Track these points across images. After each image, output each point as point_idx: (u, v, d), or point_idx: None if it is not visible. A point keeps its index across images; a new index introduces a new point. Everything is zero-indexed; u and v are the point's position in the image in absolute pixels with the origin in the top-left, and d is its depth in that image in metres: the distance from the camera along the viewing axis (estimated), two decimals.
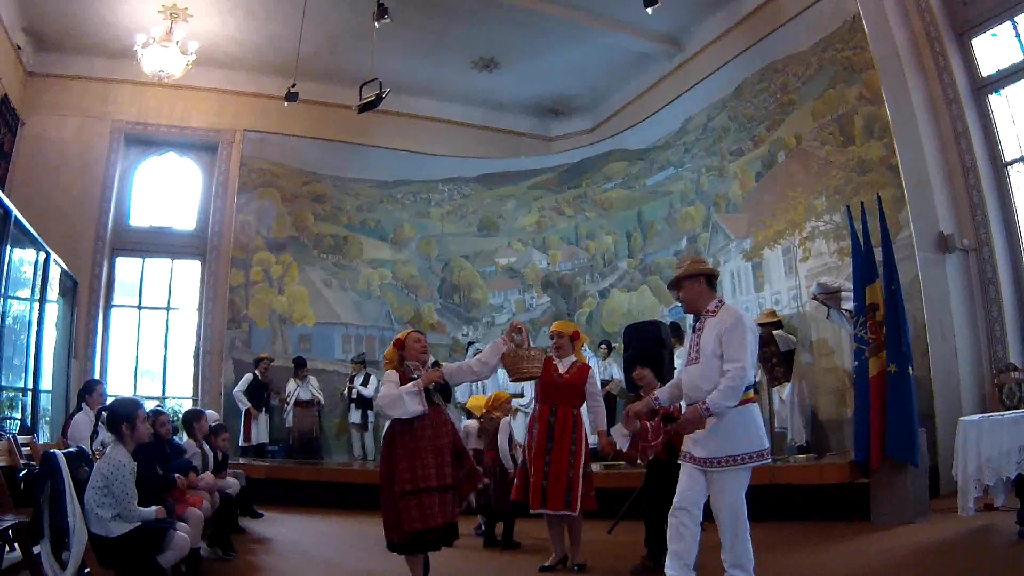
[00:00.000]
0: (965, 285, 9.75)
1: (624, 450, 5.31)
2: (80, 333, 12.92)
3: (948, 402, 9.08)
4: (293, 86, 12.51)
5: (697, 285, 5.12)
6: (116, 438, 5.13)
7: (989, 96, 10.10)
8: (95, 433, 6.22)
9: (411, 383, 5.40)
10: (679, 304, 5.43)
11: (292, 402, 13.62)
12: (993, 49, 10.10)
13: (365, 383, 13.90)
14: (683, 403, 5.14)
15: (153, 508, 5.14)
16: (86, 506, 4.73)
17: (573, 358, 6.79)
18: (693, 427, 4.70)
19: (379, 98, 11.50)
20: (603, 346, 13.69)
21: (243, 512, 9.41)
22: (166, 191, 15.07)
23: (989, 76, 10.07)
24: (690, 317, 13.15)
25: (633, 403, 5.36)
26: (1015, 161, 9.92)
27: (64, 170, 13.59)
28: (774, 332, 10.39)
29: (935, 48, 10.15)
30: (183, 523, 5.54)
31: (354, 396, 13.95)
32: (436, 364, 6.59)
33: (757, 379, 10.59)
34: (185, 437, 8.06)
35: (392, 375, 5.55)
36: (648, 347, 9.67)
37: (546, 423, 6.55)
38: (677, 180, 14.15)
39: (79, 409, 8.13)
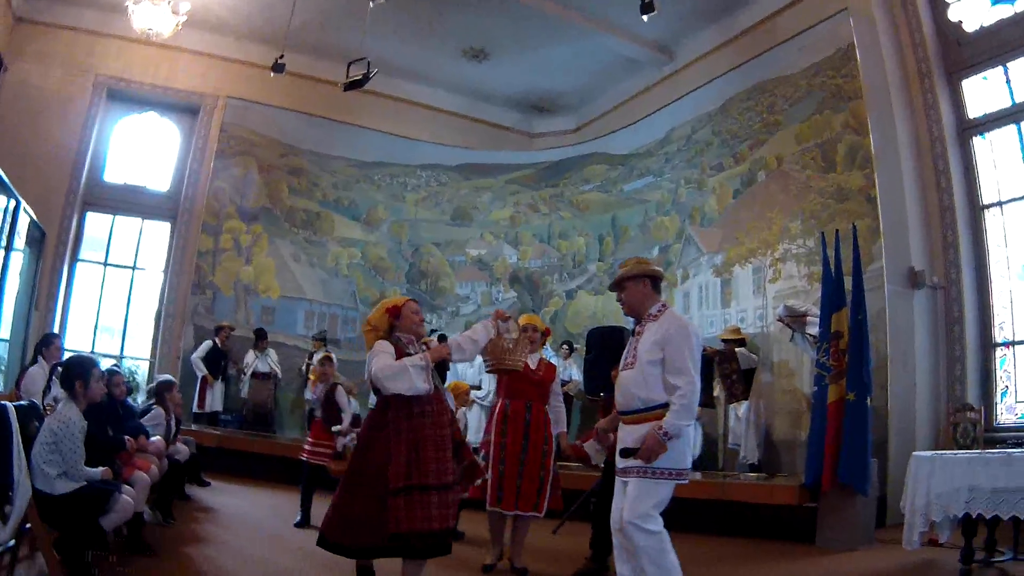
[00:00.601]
0: (931, 322, 9.86)
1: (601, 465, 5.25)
2: (43, 285, 12.68)
3: (903, 435, 9.18)
4: (281, 57, 12.36)
5: (641, 287, 4.80)
6: (68, 395, 5.04)
7: (973, 138, 10.21)
8: (48, 388, 6.10)
9: (418, 356, 4.68)
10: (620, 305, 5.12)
11: (249, 373, 13.51)
12: (982, 92, 10.20)
13: None
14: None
15: (100, 469, 5.08)
16: (32, 462, 4.62)
17: (540, 355, 6.66)
18: (656, 454, 4.35)
19: (366, 78, 11.42)
20: (564, 346, 13.71)
21: (190, 479, 9.35)
22: (143, 150, 14.83)
23: (976, 119, 10.17)
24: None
25: (600, 420, 5.15)
26: (992, 205, 10.05)
27: (43, 120, 13.35)
28: (736, 349, 10.47)
29: (925, 84, 10.23)
30: (129, 487, 5.46)
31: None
32: (443, 338, 6.49)
33: (716, 394, 10.70)
34: (139, 399, 7.97)
35: (386, 346, 4.77)
36: (611, 352, 9.68)
37: (523, 420, 6.36)
38: (655, 189, 14.17)
39: (35, 362, 8.02)
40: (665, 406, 4.44)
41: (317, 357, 9.30)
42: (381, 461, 4.60)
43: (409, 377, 4.56)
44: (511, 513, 6.26)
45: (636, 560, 4.36)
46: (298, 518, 7.96)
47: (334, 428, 8.23)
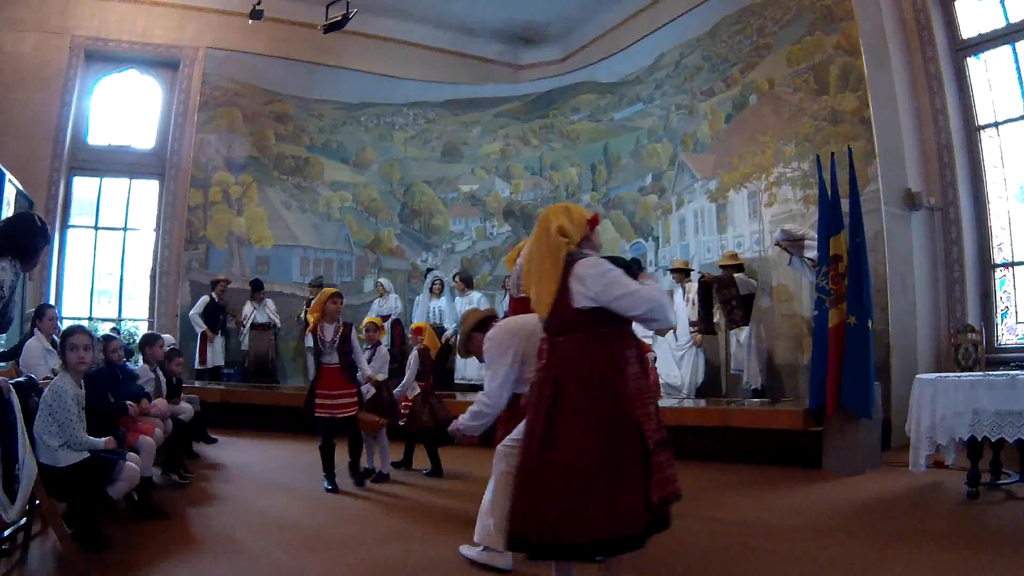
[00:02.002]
0: (929, 243, 9.85)
1: None
2: None
3: (905, 357, 9.23)
4: (259, 3, 12.12)
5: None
6: (63, 365, 5.01)
7: (968, 59, 10.10)
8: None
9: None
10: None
11: (248, 325, 13.56)
12: (976, 12, 10.03)
13: None
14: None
15: (103, 439, 5.02)
16: (35, 435, 4.61)
17: None
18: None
19: (345, 18, 11.28)
20: None
21: (197, 437, 9.39)
22: (126, 109, 14.64)
23: (970, 39, 10.04)
24: (651, 252, 13.19)
25: None
26: (988, 126, 9.98)
27: (20, 87, 13.14)
28: (735, 275, 10.43)
29: (917, 4, 10.08)
30: (134, 453, 5.45)
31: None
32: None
33: (716, 320, 10.68)
34: (140, 362, 7.94)
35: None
36: None
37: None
38: (646, 116, 14.03)
39: (31, 334, 7.97)
40: None
41: (321, 290, 7.96)
42: (625, 407, 3.50)
43: (669, 308, 3.69)
44: None
45: None
46: (328, 485, 7.24)
47: (366, 373, 7.64)
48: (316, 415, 7.38)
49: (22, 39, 13.33)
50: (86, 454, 4.84)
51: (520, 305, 4.70)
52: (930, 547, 4.83)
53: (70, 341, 5.04)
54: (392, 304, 13.91)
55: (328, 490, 7.15)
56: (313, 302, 7.82)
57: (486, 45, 16.80)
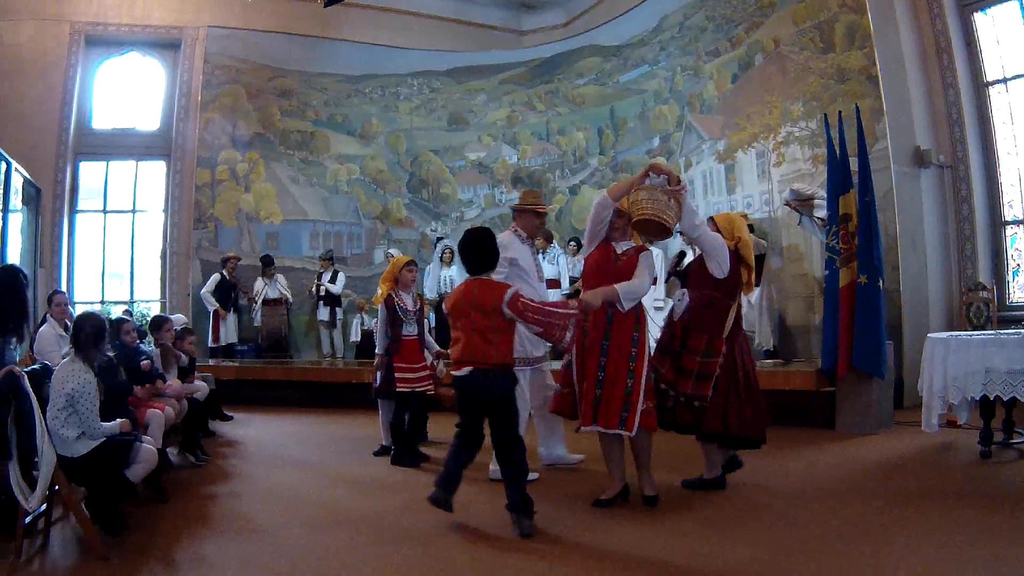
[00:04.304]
0: (939, 201, 9.80)
1: None
2: (46, 241, 12.74)
3: (916, 316, 9.21)
4: None
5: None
6: (76, 353, 4.97)
7: (975, 14, 9.99)
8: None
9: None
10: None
11: (260, 301, 13.62)
12: None
13: (333, 280, 13.95)
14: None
15: (117, 422, 5.02)
16: (50, 427, 4.61)
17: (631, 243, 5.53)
18: None
19: None
20: (572, 243, 13.60)
21: (212, 415, 9.43)
22: (129, 92, 14.66)
23: None
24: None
25: None
26: (997, 82, 9.91)
27: (21, 76, 13.20)
28: None
29: None
30: (148, 437, 5.46)
31: (322, 293, 13.98)
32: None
33: None
34: (152, 344, 7.95)
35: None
36: None
37: (604, 318, 5.17)
38: (651, 78, 13.93)
39: (44, 321, 8.00)
40: None
41: (394, 259, 7.71)
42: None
43: None
44: (589, 429, 5.14)
45: None
46: (409, 460, 6.97)
47: (435, 348, 7.44)
48: (399, 390, 7.08)
49: (19, 29, 13.35)
50: (102, 439, 4.86)
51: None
52: (943, 507, 4.85)
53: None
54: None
55: (411, 464, 6.90)
56: (384, 272, 7.53)
57: (488, 12, 16.69)
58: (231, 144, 14.52)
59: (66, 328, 7.21)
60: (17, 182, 10.48)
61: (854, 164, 7.93)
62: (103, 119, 14.39)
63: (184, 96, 14.34)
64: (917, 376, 6.81)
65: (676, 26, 13.26)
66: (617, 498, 5.23)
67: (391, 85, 16.03)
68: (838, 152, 8.01)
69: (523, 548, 4.41)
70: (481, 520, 4.94)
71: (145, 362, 6.70)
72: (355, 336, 14.12)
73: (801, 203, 9.30)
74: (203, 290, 13.23)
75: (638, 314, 5.22)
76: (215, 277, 13.29)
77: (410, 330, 7.23)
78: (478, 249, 5.02)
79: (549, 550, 4.34)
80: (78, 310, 7.03)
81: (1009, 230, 9.84)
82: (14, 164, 10.10)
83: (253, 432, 9.25)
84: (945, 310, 9.64)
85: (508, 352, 4.89)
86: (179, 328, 8.38)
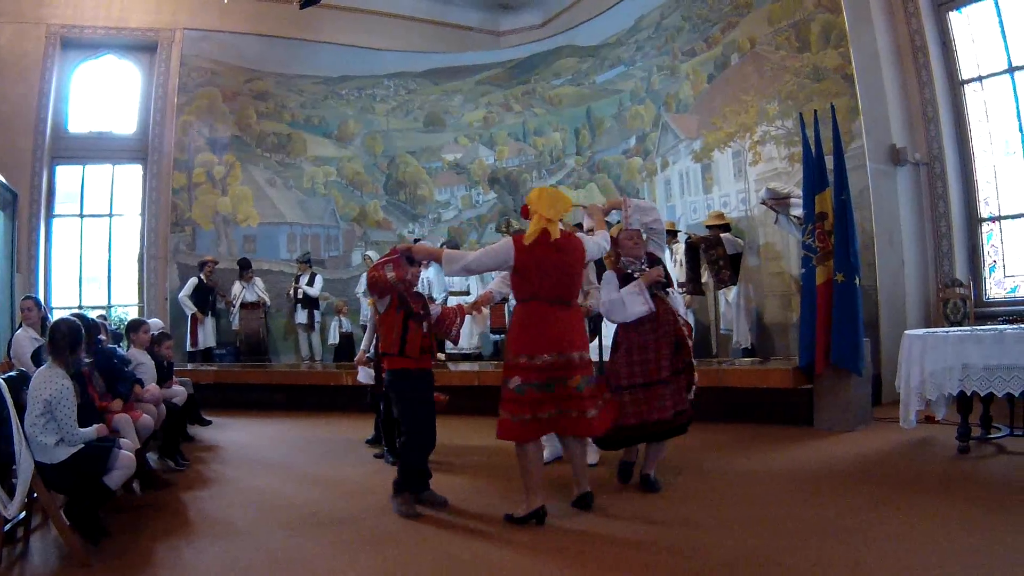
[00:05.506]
0: (915, 199, 9.88)
1: None
2: (22, 246, 12.65)
3: (893, 313, 9.28)
4: None
5: None
6: (54, 360, 4.91)
7: (950, 13, 10.07)
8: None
9: (632, 284, 5.30)
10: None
11: (238, 304, 13.58)
12: None
13: (311, 283, 13.92)
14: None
15: (94, 427, 4.96)
16: (28, 434, 4.57)
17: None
18: None
19: None
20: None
21: (191, 420, 9.40)
22: (105, 95, 14.60)
23: None
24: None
25: None
26: (972, 80, 9.98)
27: None
28: (722, 235, 10.42)
29: None
30: (126, 440, 5.41)
31: (300, 296, 13.93)
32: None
33: (704, 280, 10.70)
34: (129, 347, 7.90)
35: (611, 277, 5.43)
36: None
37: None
38: (628, 78, 13.96)
39: (20, 327, 7.94)
40: None
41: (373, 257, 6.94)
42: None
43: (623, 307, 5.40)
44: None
45: None
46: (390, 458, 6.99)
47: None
48: None
49: None
50: (80, 446, 4.82)
51: None
52: (923, 502, 4.89)
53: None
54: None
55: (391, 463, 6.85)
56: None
57: (465, 13, 16.71)
58: (208, 147, 14.47)
59: (42, 332, 7.16)
60: None
61: (830, 162, 7.95)
62: (79, 122, 14.30)
63: (160, 99, 14.27)
64: (895, 373, 6.86)
65: (652, 26, 13.30)
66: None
67: (368, 87, 16.01)
68: (814, 151, 8.04)
69: (506, 546, 4.42)
70: (461, 520, 4.94)
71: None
72: (334, 339, 14.12)
73: (777, 202, 9.33)
74: (181, 294, 13.18)
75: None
76: (192, 281, 13.26)
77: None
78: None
79: (531, 545, 4.35)
80: (55, 315, 6.96)
81: (985, 227, 9.92)
82: None
83: (232, 436, 9.23)
84: (922, 307, 9.72)
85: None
86: (156, 332, 8.33)
